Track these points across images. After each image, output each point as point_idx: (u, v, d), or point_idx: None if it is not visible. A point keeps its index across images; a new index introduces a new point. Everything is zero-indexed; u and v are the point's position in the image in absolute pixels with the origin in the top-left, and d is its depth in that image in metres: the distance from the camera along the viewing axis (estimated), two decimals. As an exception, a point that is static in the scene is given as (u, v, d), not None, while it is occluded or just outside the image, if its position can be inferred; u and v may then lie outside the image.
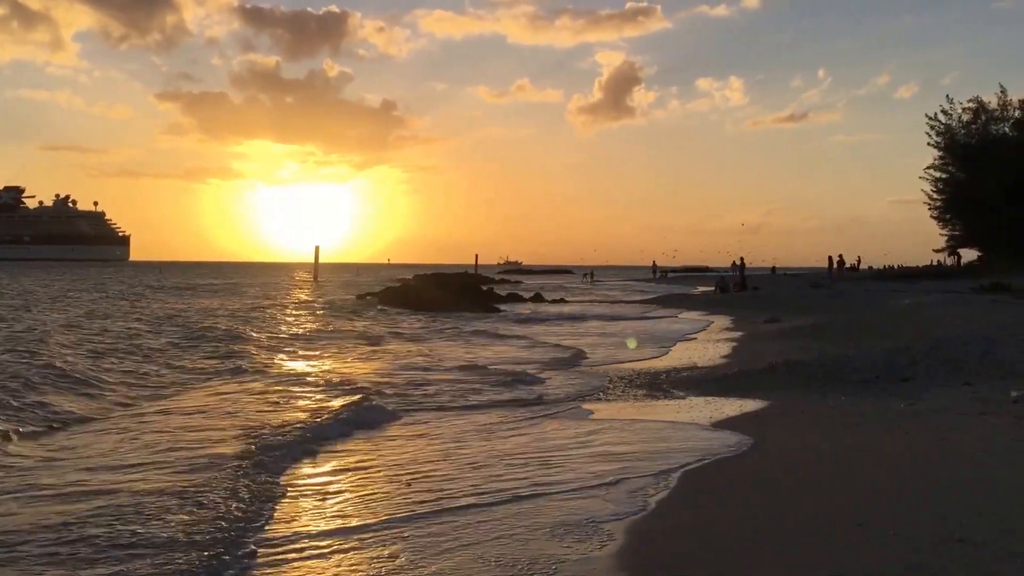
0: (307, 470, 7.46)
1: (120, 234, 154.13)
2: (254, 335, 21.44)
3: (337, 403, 10.54)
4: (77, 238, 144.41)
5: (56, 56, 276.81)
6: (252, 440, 8.16)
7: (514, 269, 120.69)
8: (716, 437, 8.50)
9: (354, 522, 5.82)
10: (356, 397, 10.99)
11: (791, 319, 23.17)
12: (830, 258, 54.86)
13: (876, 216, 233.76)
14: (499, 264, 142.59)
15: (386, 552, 5.18)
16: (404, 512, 6.03)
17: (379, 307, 35.31)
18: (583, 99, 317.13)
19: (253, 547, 5.25)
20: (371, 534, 5.55)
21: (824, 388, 11.13)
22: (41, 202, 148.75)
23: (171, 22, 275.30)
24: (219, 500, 6.09)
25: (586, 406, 10.87)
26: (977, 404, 9.14)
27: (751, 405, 10.38)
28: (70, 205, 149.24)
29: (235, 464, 7.17)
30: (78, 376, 12.65)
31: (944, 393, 10.06)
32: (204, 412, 10.12)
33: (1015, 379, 10.35)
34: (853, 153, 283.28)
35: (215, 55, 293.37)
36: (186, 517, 5.68)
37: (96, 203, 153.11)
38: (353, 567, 4.97)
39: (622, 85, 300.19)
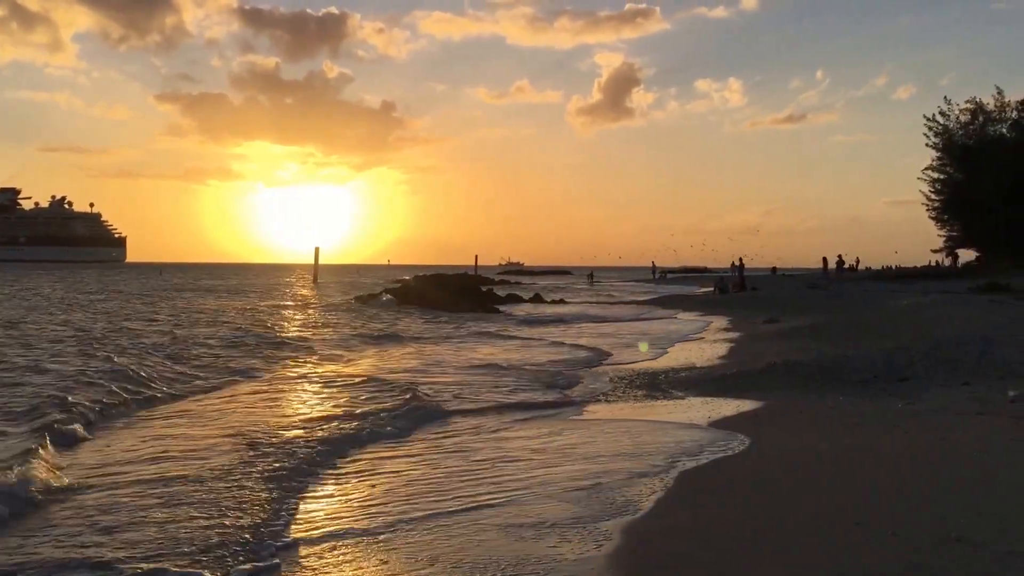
0: (361, 466, 7.57)
1: (116, 235, 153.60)
2: (280, 335, 21.61)
3: (389, 402, 10.71)
4: (73, 239, 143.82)
5: (55, 57, 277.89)
6: (295, 440, 8.34)
7: (515, 270, 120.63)
8: (714, 437, 8.49)
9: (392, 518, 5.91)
10: (406, 395, 11.08)
11: (790, 319, 23.20)
12: (824, 259, 55.23)
13: (874, 216, 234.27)
14: (501, 265, 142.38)
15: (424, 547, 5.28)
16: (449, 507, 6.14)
17: (382, 308, 35.28)
18: (582, 100, 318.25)
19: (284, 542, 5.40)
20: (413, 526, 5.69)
21: (823, 388, 11.13)
22: (37, 203, 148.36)
23: (170, 23, 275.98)
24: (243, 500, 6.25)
25: (590, 407, 10.89)
26: (975, 404, 9.14)
27: (750, 405, 10.38)
28: (66, 207, 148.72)
29: (266, 464, 7.30)
30: (131, 374, 12.92)
31: (942, 393, 10.06)
32: (243, 410, 10.37)
33: (1013, 379, 10.35)
34: (851, 154, 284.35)
35: (214, 56, 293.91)
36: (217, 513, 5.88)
37: (92, 204, 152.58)
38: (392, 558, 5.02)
39: (621, 86, 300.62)
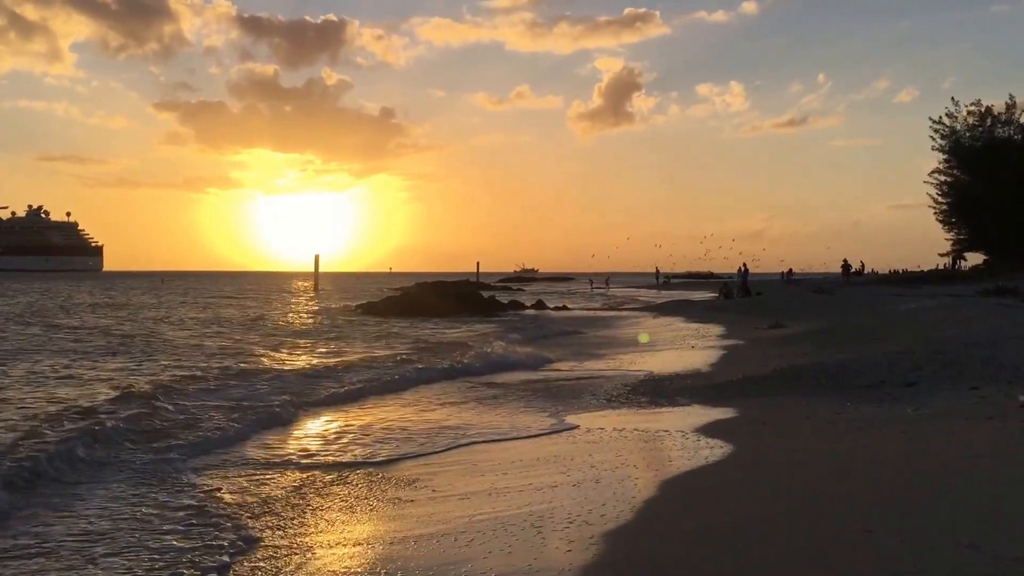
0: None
1: (93, 244, 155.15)
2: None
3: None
4: (49, 248, 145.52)
5: (54, 66, 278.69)
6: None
7: (517, 277, 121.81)
8: (718, 443, 8.40)
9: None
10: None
11: (794, 324, 23.11)
12: (790, 269, 61.79)
13: (877, 221, 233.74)
14: (515, 271, 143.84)
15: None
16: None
17: (382, 317, 35.18)
18: (583, 105, 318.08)
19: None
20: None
21: (829, 393, 11.02)
22: (13, 212, 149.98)
23: (169, 32, 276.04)
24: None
25: (582, 414, 10.81)
26: (984, 408, 8.98)
27: (755, 411, 10.27)
28: (43, 216, 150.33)
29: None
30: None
31: (950, 398, 9.91)
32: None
33: (1022, 383, 10.19)
34: (853, 157, 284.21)
35: (213, 64, 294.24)
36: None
37: (69, 213, 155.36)
38: None
39: (622, 91, 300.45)
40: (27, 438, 8.49)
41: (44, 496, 6.80)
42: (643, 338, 17.03)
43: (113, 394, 11.96)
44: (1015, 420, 8.22)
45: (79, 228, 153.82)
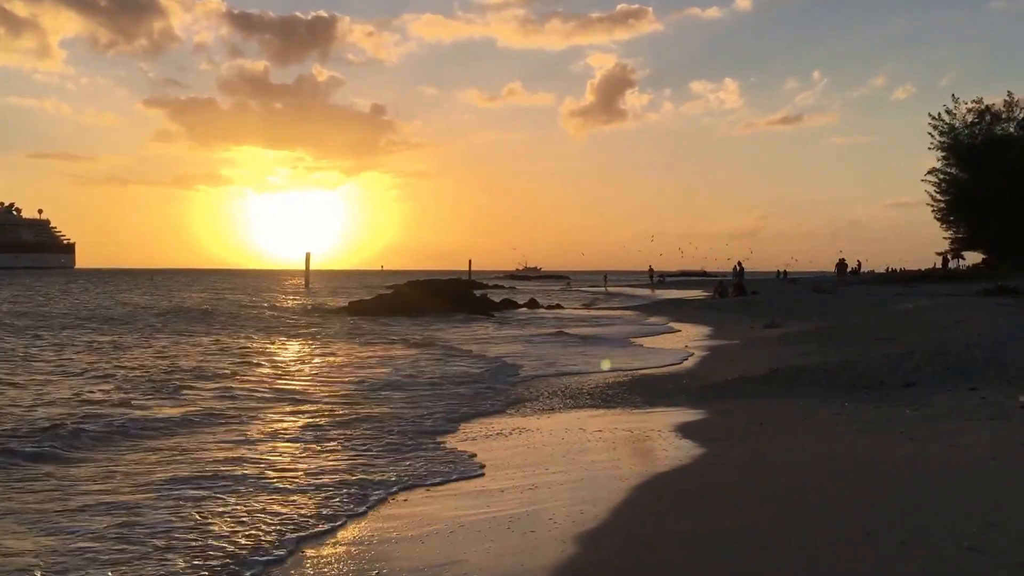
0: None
1: (65, 242, 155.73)
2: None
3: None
4: (21, 246, 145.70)
5: (43, 63, 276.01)
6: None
7: (513, 275, 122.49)
8: (712, 444, 8.30)
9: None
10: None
11: (791, 324, 23.04)
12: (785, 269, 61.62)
13: (874, 219, 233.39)
14: (517, 269, 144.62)
15: None
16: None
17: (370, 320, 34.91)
18: (575, 103, 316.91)
19: None
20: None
21: (827, 394, 10.89)
22: None
23: (158, 28, 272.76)
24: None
25: (577, 414, 10.76)
26: (985, 409, 8.88)
27: (752, 411, 10.13)
28: (14, 213, 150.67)
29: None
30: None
31: (951, 398, 9.81)
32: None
33: (1023, 384, 10.06)
34: (849, 155, 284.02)
35: (203, 61, 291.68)
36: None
37: (40, 211, 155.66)
38: None
39: (615, 88, 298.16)
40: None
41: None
42: (604, 364, 16.62)
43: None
44: (1016, 421, 8.13)
45: (51, 226, 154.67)
